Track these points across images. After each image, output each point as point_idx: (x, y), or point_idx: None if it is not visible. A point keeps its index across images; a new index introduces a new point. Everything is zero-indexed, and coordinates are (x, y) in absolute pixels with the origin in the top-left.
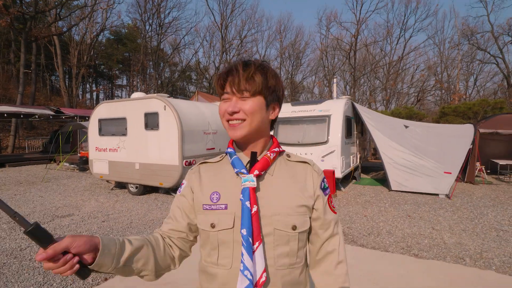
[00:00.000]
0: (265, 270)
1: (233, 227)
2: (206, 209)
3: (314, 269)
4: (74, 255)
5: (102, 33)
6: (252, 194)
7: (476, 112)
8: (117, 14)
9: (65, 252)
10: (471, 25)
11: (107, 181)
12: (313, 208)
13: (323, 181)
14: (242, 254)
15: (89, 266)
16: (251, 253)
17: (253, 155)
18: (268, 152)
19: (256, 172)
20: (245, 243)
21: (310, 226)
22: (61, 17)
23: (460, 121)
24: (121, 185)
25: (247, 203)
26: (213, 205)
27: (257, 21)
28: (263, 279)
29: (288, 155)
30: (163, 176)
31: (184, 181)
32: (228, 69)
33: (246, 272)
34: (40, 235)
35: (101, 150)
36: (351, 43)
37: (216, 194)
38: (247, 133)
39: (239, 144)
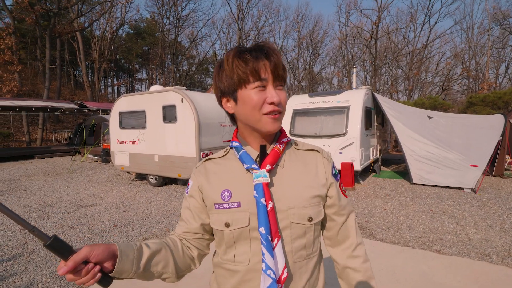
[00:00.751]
0: (286, 265)
1: (249, 224)
2: (219, 208)
3: (335, 253)
4: (95, 264)
5: (121, 28)
6: (266, 190)
7: (507, 102)
8: (136, 9)
9: (85, 262)
10: (503, 9)
11: (128, 172)
12: (326, 196)
13: (333, 167)
14: (263, 253)
15: (110, 274)
16: (272, 251)
17: (263, 149)
18: (278, 143)
19: (268, 166)
20: (264, 242)
21: (324, 215)
22: (83, 13)
23: (489, 111)
24: (142, 176)
25: (262, 200)
26: (225, 203)
27: (274, 11)
28: (285, 275)
29: (296, 144)
30: (181, 168)
31: (190, 181)
32: (262, 51)
33: (269, 272)
34: (59, 248)
35: (121, 143)
36: (372, 31)
37: (227, 192)
38: (280, 125)
39: (246, 137)
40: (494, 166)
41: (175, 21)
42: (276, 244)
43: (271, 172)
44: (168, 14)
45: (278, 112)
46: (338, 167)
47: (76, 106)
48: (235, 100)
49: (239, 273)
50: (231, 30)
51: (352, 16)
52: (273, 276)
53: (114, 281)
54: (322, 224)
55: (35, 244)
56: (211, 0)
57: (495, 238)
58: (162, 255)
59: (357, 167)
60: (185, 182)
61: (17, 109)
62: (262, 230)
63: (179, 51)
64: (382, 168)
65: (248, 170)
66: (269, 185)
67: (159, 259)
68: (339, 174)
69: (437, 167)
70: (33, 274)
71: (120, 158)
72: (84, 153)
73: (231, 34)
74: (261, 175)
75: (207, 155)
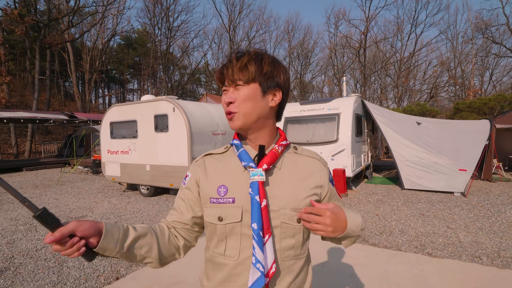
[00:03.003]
0: (275, 261)
1: (241, 220)
2: (214, 202)
3: None
4: (81, 238)
5: (113, 39)
6: (261, 188)
7: (492, 108)
8: (127, 20)
9: (72, 236)
10: (485, 18)
11: (119, 183)
12: (321, 199)
13: (329, 173)
14: (254, 248)
15: (94, 250)
16: (262, 246)
17: (261, 149)
18: (276, 145)
19: (265, 166)
20: (256, 237)
21: None
22: (73, 24)
23: (475, 117)
24: (133, 187)
25: (257, 198)
26: (221, 198)
27: (265, 22)
28: (273, 270)
29: (295, 148)
30: (174, 177)
31: (188, 173)
32: (223, 63)
33: (258, 265)
34: (48, 219)
35: (112, 153)
36: (361, 41)
37: (223, 188)
38: (243, 123)
39: (244, 136)
40: (482, 170)
41: (167, 32)
42: (267, 240)
43: (268, 172)
44: (159, 25)
45: (230, 112)
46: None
47: (66, 117)
48: None
49: (228, 266)
50: (223, 40)
51: (341, 26)
52: (262, 269)
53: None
54: None
55: (22, 257)
56: (202, 11)
57: (485, 240)
58: (147, 240)
59: (349, 173)
60: (177, 192)
61: (5, 120)
62: (255, 225)
63: (171, 61)
64: (374, 174)
65: (245, 168)
66: (264, 184)
67: (144, 243)
68: (333, 180)
69: (427, 172)
70: None
71: (111, 168)
72: (74, 165)
73: (223, 44)
74: (258, 174)
75: None
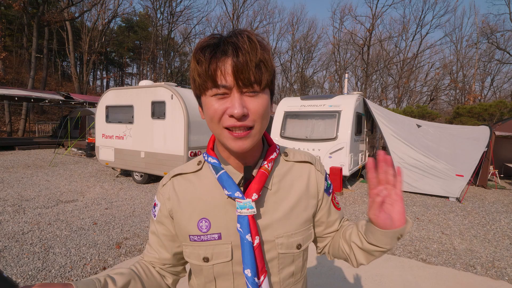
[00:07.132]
0: None
1: (232, 259)
2: (195, 240)
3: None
4: None
5: (113, 20)
6: (252, 223)
7: (492, 114)
8: (129, 1)
9: None
10: (491, 23)
11: (113, 168)
12: (314, 216)
13: (326, 179)
14: None
15: None
16: None
17: (247, 171)
18: (265, 162)
19: (255, 196)
20: (250, 286)
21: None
22: (74, 2)
23: (475, 122)
24: (126, 173)
25: (248, 237)
26: (203, 235)
27: (269, 13)
28: None
29: (285, 153)
30: (168, 166)
31: (157, 201)
32: (223, 46)
33: None
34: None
35: (107, 137)
36: (365, 38)
37: (205, 221)
38: (254, 144)
39: (223, 151)
40: (478, 177)
41: (169, 17)
42: (263, 281)
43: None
44: (162, 9)
45: (242, 128)
46: (327, 171)
47: (62, 98)
48: (201, 107)
49: None
50: (226, 29)
51: (346, 22)
52: None
53: None
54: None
55: (7, 240)
56: None
57: (479, 248)
58: None
59: (346, 172)
60: None
61: None
62: (248, 272)
63: (171, 47)
64: None
65: (229, 197)
66: (255, 216)
67: None
68: (331, 185)
69: (424, 176)
70: None
71: (105, 153)
72: (68, 146)
73: (225, 33)
74: (246, 206)
75: (195, 154)
